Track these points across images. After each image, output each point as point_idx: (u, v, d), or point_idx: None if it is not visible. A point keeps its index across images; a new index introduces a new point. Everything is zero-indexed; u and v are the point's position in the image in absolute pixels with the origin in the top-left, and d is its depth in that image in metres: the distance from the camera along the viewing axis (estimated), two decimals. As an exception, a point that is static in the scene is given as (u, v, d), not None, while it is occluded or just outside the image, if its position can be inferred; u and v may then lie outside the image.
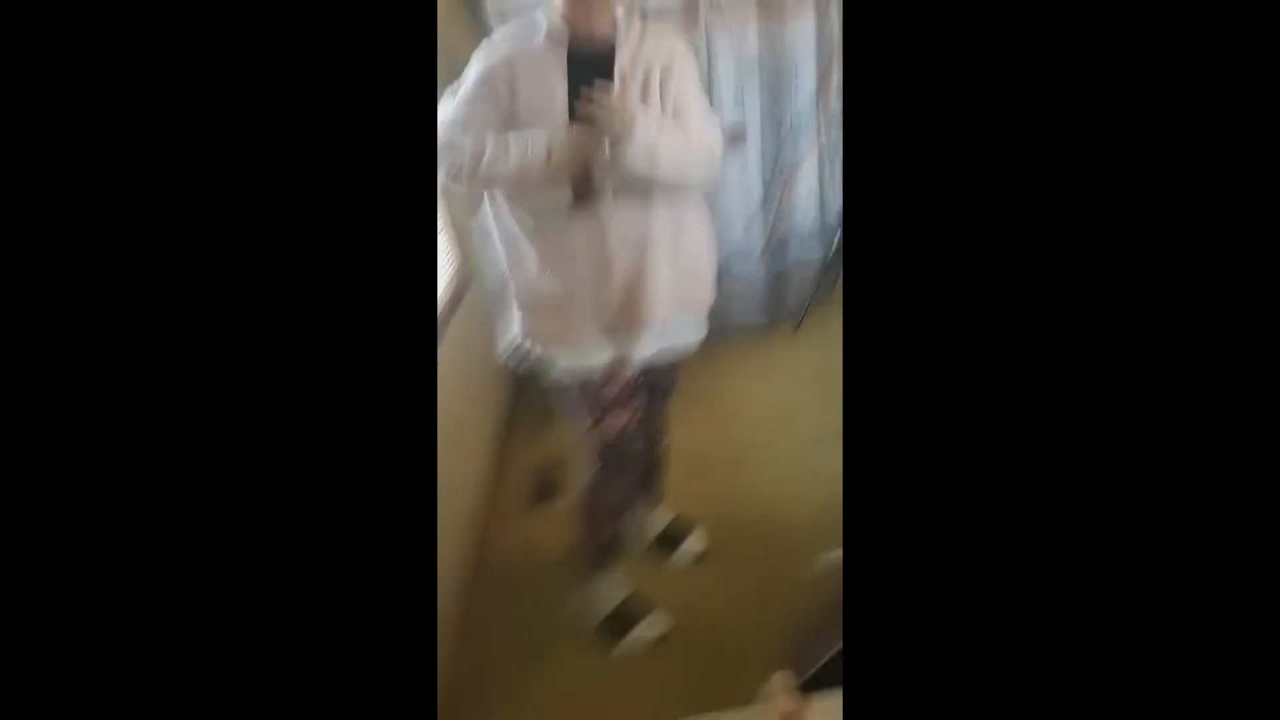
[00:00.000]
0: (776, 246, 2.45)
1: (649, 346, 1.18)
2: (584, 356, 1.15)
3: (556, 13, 1.02)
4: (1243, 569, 0.37)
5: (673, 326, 1.20)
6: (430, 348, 0.46)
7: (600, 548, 1.37)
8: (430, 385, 0.50)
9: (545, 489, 1.88)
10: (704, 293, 1.23)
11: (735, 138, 2.22)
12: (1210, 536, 0.38)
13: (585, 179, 1.02)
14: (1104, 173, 0.39)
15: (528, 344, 1.19)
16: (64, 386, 0.37)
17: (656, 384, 1.34)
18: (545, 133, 0.99)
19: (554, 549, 1.64)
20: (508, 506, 1.87)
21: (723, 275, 2.39)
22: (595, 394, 1.18)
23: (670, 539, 1.59)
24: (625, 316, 1.13)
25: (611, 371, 1.18)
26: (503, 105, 1.02)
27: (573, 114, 0.94)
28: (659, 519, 1.61)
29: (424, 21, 0.45)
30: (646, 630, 1.38)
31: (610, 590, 1.42)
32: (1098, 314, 0.39)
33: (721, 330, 2.47)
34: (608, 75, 0.93)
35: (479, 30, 1.98)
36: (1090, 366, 0.40)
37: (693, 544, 1.57)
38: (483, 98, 1.03)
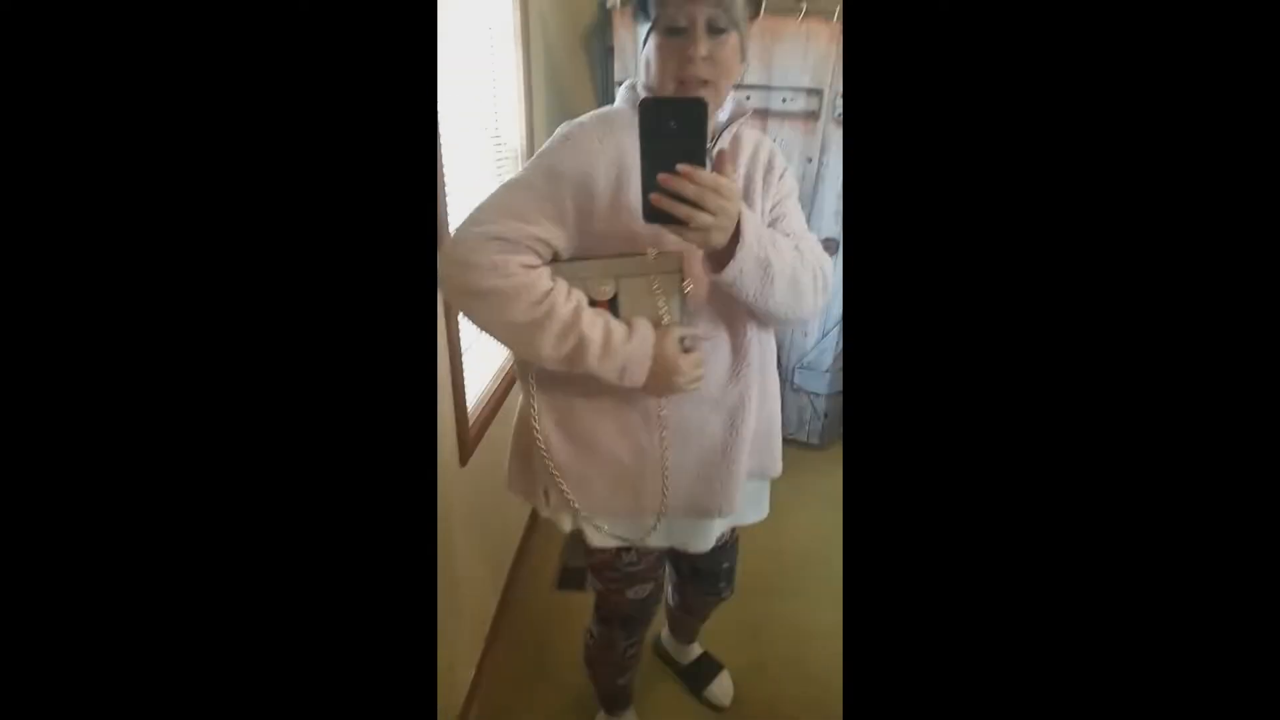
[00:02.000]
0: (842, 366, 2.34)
1: (713, 535, 0.95)
2: (625, 534, 0.91)
3: (642, 88, 0.78)
4: (1242, 563, 0.36)
5: (741, 508, 0.92)
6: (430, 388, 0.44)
7: (610, 693, 1.23)
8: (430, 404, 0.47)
9: (573, 576, 1.73)
10: (777, 460, 0.94)
11: (831, 252, 2.17)
12: (1191, 533, 0.37)
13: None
14: (1106, 246, 0.38)
15: (559, 515, 0.93)
16: (61, 383, 0.36)
17: (701, 569, 1.14)
18: (651, 346, 0.75)
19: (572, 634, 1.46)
20: (527, 582, 1.72)
21: (785, 388, 2.32)
22: (623, 567, 0.99)
23: (695, 676, 1.42)
24: (695, 500, 0.87)
25: (647, 550, 0.97)
26: (566, 219, 0.74)
27: (647, 212, 0.67)
28: (689, 652, 1.45)
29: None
30: None
31: None
32: (1092, 388, 0.38)
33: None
34: (697, 157, 0.65)
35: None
36: (1082, 431, 0.38)
37: (716, 691, 1.38)
38: (545, 198, 0.74)
